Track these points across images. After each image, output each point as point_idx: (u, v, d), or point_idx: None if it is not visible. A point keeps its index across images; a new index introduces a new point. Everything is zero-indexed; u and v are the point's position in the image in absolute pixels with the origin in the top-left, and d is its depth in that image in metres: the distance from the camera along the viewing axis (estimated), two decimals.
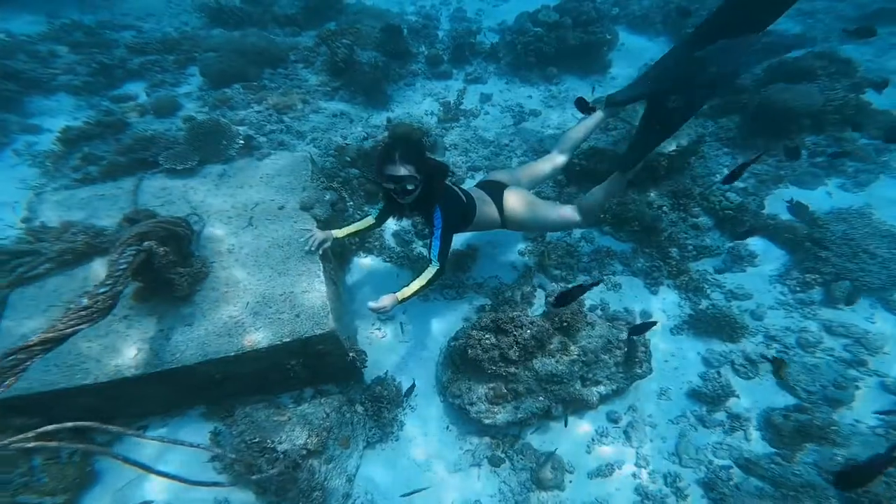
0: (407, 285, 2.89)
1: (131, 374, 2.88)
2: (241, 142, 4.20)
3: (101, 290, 2.44)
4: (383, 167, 2.78)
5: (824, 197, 4.74)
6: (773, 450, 3.27)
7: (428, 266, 2.95)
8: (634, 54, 6.53)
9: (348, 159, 4.69)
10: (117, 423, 2.32)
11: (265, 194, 3.88)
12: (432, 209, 2.96)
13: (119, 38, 6.28)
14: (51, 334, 2.22)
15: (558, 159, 3.83)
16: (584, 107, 4.07)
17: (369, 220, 3.37)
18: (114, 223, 3.47)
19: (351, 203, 4.40)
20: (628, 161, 3.52)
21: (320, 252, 3.38)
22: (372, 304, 2.74)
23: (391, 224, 4.53)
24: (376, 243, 4.40)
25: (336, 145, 4.83)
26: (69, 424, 2.06)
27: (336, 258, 4.07)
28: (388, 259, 4.36)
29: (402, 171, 2.73)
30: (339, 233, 3.40)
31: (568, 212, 3.58)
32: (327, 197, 4.00)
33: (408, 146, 2.80)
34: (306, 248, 3.35)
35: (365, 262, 4.33)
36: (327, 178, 4.34)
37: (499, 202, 3.46)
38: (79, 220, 3.46)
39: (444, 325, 3.99)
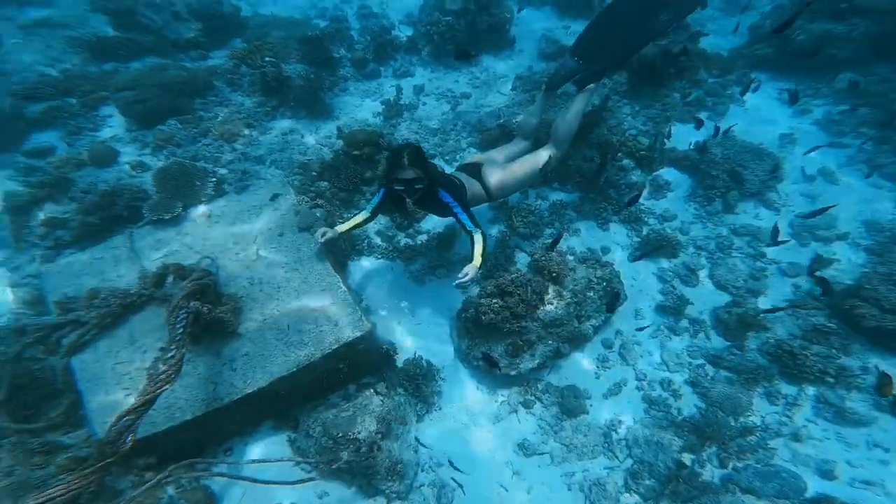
0: (471, 259, 3.30)
1: (219, 405, 3.08)
2: (214, 179, 4.20)
3: (170, 354, 2.70)
4: (393, 173, 3.15)
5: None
6: (728, 343, 4.10)
7: (473, 237, 3.36)
8: (528, 25, 7.04)
9: (314, 173, 4.81)
10: (208, 450, 2.94)
11: (260, 225, 3.97)
12: (436, 197, 3.36)
13: None
14: (147, 397, 2.51)
15: (523, 144, 4.31)
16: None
17: (365, 215, 3.65)
18: (129, 281, 3.48)
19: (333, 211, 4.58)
20: (584, 82, 4.14)
21: (322, 241, 3.58)
22: (461, 280, 3.17)
23: (372, 224, 4.80)
24: (364, 244, 4.65)
25: (298, 163, 4.91)
26: (189, 462, 2.64)
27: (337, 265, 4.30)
28: (379, 256, 4.63)
29: (411, 174, 3.12)
30: (341, 227, 3.64)
31: (543, 154, 4.05)
32: (318, 214, 4.19)
33: (412, 153, 3.15)
34: (314, 245, 3.65)
35: (362, 264, 4.58)
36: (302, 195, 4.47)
37: (480, 179, 3.88)
38: (96, 286, 3.42)
39: (447, 301, 4.39)
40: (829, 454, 3.51)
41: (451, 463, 3.51)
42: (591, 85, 4.16)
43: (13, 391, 3.04)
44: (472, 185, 3.85)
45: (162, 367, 2.61)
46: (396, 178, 3.16)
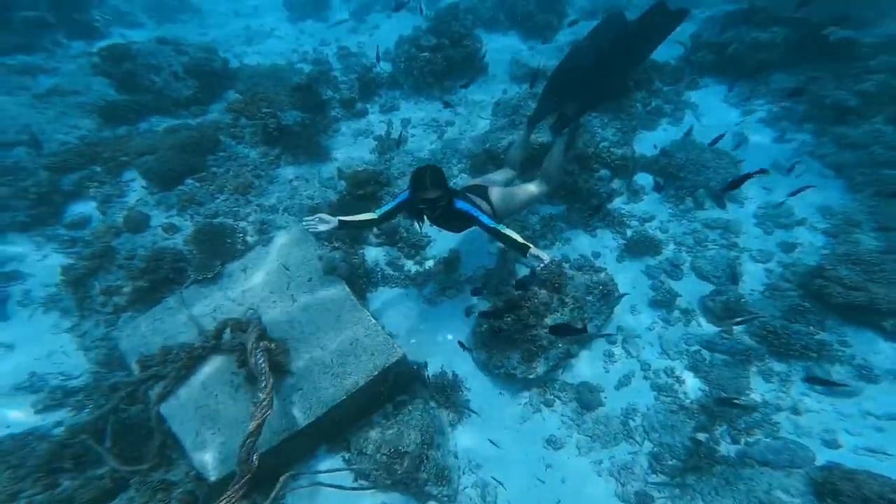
0: (519, 246, 3.33)
1: (288, 435, 3.49)
2: (241, 235, 4.53)
3: (262, 384, 3.19)
4: (417, 193, 3.40)
5: (661, 134, 6.18)
6: (718, 328, 4.56)
7: (502, 231, 3.40)
8: (497, 53, 7.50)
9: (322, 239, 5.15)
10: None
11: (289, 271, 4.32)
12: (454, 209, 3.54)
13: (14, 157, 5.78)
14: (258, 421, 3.05)
15: (512, 173, 4.73)
16: None
17: (371, 216, 3.67)
18: (189, 336, 3.90)
19: (348, 250, 4.96)
20: (558, 128, 4.55)
21: (321, 230, 3.51)
22: (544, 264, 3.18)
23: (382, 255, 5.18)
24: (378, 275, 5.03)
25: (308, 207, 5.26)
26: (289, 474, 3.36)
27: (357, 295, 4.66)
28: (393, 285, 5.01)
29: (433, 193, 3.38)
30: (344, 219, 3.61)
31: (534, 187, 4.44)
32: (338, 255, 4.56)
33: (433, 173, 3.39)
34: (308, 227, 3.48)
35: (379, 294, 4.95)
36: (319, 239, 4.83)
37: (487, 200, 4.18)
38: (164, 343, 3.85)
39: (461, 318, 4.79)
40: (828, 424, 3.89)
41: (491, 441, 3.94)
42: (565, 130, 4.61)
43: (115, 438, 3.51)
44: (482, 204, 4.09)
45: (262, 396, 3.09)
46: (420, 198, 3.39)
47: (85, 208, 5.32)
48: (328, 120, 6.36)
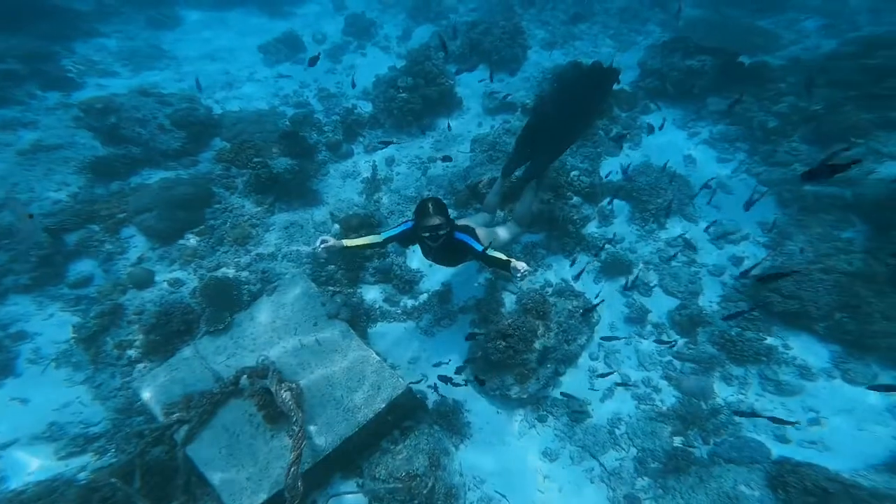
0: (503, 264, 3.57)
1: (309, 466, 3.82)
2: (247, 286, 4.84)
3: (295, 419, 3.68)
4: (422, 221, 3.69)
5: (625, 158, 6.73)
6: (684, 339, 5.10)
7: (489, 253, 3.68)
8: (470, 85, 7.97)
9: (322, 260, 5.51)
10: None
11: (295, 320, 4.65)
12: (454, 241, 3.85)
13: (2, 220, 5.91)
14: (296, 452, 3.53)
15: (489, 217, 5.13)
16: None
17: (376, 239, 3.93)
18: (206, 384, 4.23)
19: (348, 291, 5.32)
20: (527, 178, 5.03)
21: (324, 255, 3.80)
22: (523, 274, 3.37)
23: (378, 293, 5.55)
24: (378, 313, 5.39)
25: (305, 253, 5.58)
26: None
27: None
28: (391, 320, 5.38)
29: (436, 220, 3.68)
30: (348, 242, 3.86)
31: (513, 228, 4.95)
32: (339, 300, 4.91)
33: (436, 203, 3.74)
34: (312, 248, 3.89)
35: (378, 329, 5.31)
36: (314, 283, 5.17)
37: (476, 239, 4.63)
38: (185, 391, 4.20)
39: (456, 346, 5.18)
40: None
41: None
42: (533, 181, 5.07)
43: (144, 480, 3.80)
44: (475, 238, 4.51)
45: (296, 429, 3.63)
46: (423, 225, 3.66)
47: (85, 267, 5.48)
48: (316, 164, 6.67)
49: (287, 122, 7.23)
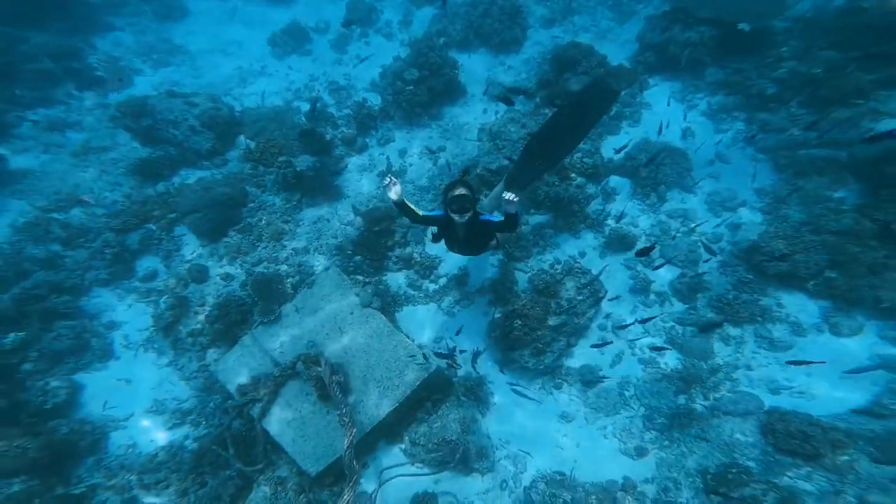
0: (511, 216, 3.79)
1: (362, 434, 4.49)
2: (289, 280, 5.36)
3: (343, 410, 4.31)
4: (450, 192, 3.84)
5: (624, 136, 6.93)
6: (685, 305, 5.51)
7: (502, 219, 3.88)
8: (473, 72, 8.09)
9: (349, 252, 5.97)
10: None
11: (333, 308, 5.17)
12: (479, 222, 4.00)
13: (73, 219, 6.50)
14: (349, 438, 4.24)
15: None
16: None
17: (419, 211, 4.02)
18: (267, 368, 4.92)
19: (375, 279, 5.81)
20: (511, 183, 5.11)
21: (393, 195, 3.84)
22: (511, 199, 3.53)
23: (403, 279, 6.02)
24: (403, 297, 5.88)
25: (334, 245, 6.04)
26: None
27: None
28: (416, 304, 5.87)
29: (464, 190, 3.82)
30: (406, 201, 3.95)
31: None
32: (370, 290, 5.40)
33: (462, 180, 4.03)
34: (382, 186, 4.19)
35: (405, 313, 5.81)
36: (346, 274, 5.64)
37: None
38: (252, 374, 4.94)
39: (476, 325, 5.67)
40: (772, 375, 4.88)
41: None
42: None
43: (234, 447, 4.65)
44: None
45: (346, 420, 4.34)
46: (452, 196, 3.77)
47: (150, 263, 6.24)
48: (335, 159, 7.00)
49: (303, 118, 7.52)
